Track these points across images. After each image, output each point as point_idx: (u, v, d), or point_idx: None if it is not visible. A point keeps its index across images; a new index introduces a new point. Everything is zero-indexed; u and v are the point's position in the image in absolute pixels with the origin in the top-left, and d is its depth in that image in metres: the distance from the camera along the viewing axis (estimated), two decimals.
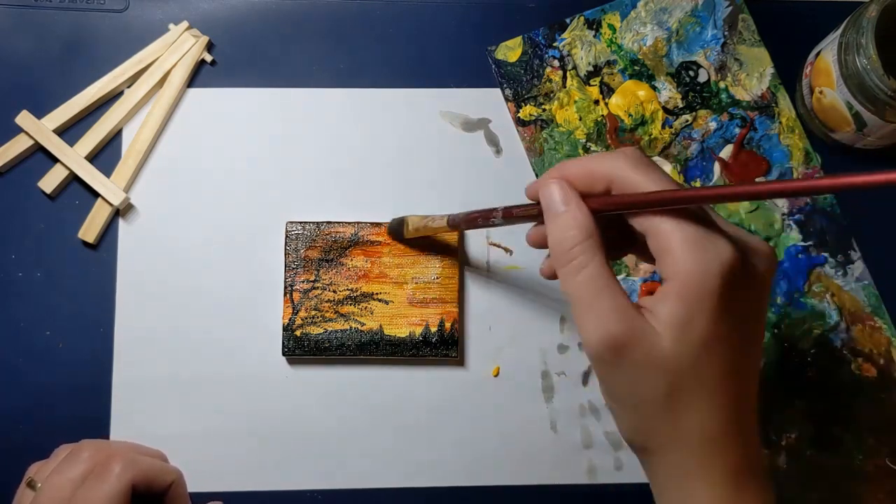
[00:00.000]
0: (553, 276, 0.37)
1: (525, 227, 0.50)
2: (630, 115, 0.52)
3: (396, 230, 0.48)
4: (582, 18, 0.53)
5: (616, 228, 0.35)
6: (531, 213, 0.37)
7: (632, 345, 0.31)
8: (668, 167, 0.51)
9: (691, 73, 0.52)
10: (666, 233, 0.31)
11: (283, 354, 0.48)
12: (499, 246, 0.51)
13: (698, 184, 0.51)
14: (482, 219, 0.41)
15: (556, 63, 0.52)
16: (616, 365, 0.31)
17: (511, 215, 0.38)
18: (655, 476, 0.34)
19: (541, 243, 0.38)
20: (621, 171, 0.32)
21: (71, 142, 0.50)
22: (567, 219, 0.33)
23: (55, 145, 0.50)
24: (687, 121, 0.52)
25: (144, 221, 0.50)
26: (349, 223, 0.49)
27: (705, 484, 0.32)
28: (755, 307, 0.33)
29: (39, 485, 0.41)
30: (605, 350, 0.31)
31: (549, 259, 0.39)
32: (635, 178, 0.32)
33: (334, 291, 0.48)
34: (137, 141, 0.50)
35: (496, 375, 0.49)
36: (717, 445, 0.32)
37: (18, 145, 0.50)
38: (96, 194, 0.50)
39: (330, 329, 0.48)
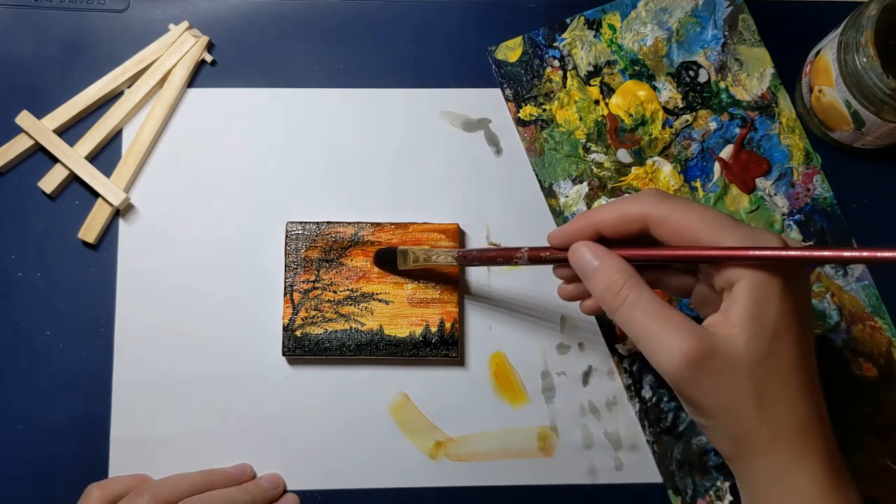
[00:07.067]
0: (595, 312, 0.41)
1: (526, 227, 0.51)
2: (630, 115, 0.52)
3: (386, 260, 0.47)
4: (582, 18, 0.53)
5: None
6: (559, 257, 0.39)
7: (708, 356, 0.33)
8: (668, 167, 0.51)
9: (691, 73, 0.52)
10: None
11: (283, 354, 0.48)
12: (499, 246, 0.51)
13: (698, 184, 0.51)
14: (503, 258, 0.42)
15: (557, 63, 0.52)
16: (699, 380, 0.33)
17: (538, 259, 0.40)
18: (754, 481, 0.35)
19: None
20: (653, 208, 0.35)
21: (71, 142, 0.50)
22: (605, 268, 0.36)
23: (55, 145, 0.50)
24: (687, 121, 0.52)
25: (144, 221, 0.50)
26: (349, 223, 0.49)
27: (807, 474, 0.34)
28: (805, 293, 0.35)
29: None
30: (684, 369, 0.33)
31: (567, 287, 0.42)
32: (666, 210, 0.35)
33: (334, 291, 0.48)
34: (137, 141, 0.50)
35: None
36: (807, 433, 0.34)
37: (18, 145, 0.50)
38: (96, 194, 0.50)
39: (330, 329, 0.48)
